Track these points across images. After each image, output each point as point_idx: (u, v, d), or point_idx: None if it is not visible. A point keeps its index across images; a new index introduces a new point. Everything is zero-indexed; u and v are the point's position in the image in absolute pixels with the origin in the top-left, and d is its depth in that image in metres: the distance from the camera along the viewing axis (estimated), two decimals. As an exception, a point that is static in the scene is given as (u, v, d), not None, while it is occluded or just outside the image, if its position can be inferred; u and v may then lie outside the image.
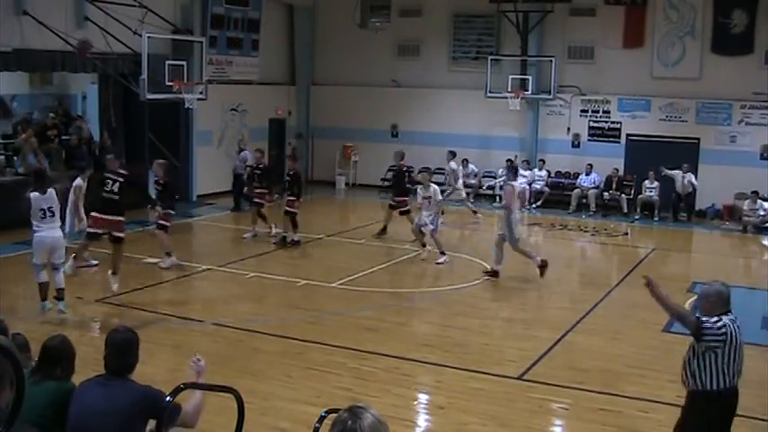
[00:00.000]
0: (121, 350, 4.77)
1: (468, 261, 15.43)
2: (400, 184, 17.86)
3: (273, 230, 16.68)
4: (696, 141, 21.47)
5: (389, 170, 22.00)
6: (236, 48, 22.43)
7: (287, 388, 8.77)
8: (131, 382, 4.72)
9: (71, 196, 13.62)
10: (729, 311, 5.86)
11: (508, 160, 21.21)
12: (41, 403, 4.63)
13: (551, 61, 22.37)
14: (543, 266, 13.77)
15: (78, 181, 13.87)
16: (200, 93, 18.45)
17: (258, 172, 17.04)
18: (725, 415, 5.99)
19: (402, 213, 17.09)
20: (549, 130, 23.28)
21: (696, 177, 20.71)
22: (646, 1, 22.02)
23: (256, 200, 16.94)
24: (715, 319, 5.76)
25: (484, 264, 14.89)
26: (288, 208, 16.19)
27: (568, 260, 16.95)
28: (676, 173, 20.58)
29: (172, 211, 14.54)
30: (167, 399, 4.72)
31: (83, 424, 4.58)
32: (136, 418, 4.55)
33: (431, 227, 15.09)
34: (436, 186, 15.51)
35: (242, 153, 20.09)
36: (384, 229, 17.28)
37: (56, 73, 21.56)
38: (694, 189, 20.79)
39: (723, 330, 5.72)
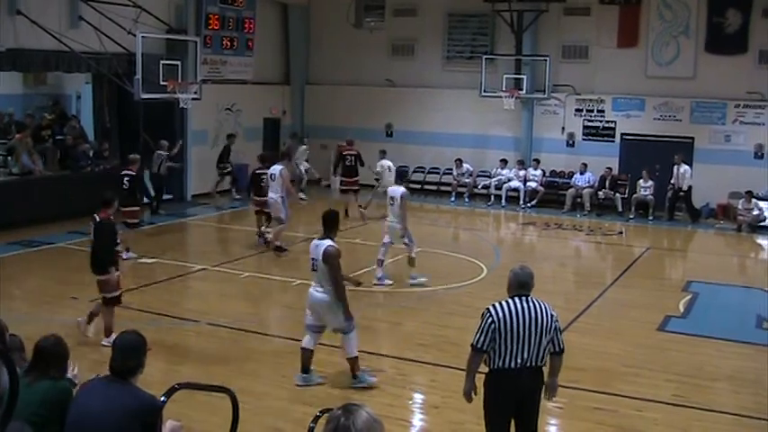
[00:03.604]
0: (125, 352, 4.75)
1: (464, 261, 15.42)
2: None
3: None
4: (690, 140, 21.51)
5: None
6: (230, 47, 22.40)
7: (282, 388, 8.77)
8: (133, 387, 4.68)
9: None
10: (523, 294, 6.11)
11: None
12: (36, 402, 4.62)
13: (546, 61, 22.36)
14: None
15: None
16: (195, 92, 18.41)
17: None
18: (503, 393, 6.13)
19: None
20: (544, 130, 23.30)
21: (690, 176, 20.67)
22: (640, 0, 22.05)
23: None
24: (495, 304, 6.08)
25: (480, 264, 14.92)
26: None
27: (563, 259, 16.95)
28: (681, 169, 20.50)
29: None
30: (162, 399, 4.70)
31: (80, 423, 4.56)
32: (133, 423, 4.53)
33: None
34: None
35: (158, 152, 19.44)
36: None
37: (50, 73, 21.52)
38: (690, 186, 20.69)
39: (487, 315, 6.01)
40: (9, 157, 18.53)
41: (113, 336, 9.92)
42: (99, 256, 10.07)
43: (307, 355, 8.84)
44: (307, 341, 8.83)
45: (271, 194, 15.39)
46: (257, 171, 16.50)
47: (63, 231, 16.59)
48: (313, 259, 8.62)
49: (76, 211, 17.76)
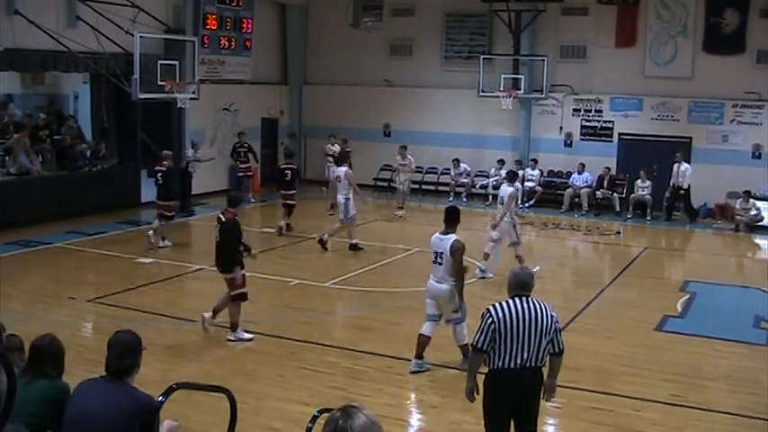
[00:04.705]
0: (119, 351, 4.73)
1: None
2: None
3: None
4: (688, 140, 21.51)
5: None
6: (228, 47, 22.38)
7: (280, 388, 8.76)
8: (130, 387, 4.67)
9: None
10: (523, 295, 6.15)
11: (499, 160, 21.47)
12: (33, 401, 4.61)
13: (544, 60, 22.38)
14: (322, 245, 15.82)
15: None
16: (193, 92, 18.41)
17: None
18: (503, 393, 6.14)
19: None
20: (542, 130, 23.30)
21: (690, 174, 20.64)
22: (638, 0, 22.07)
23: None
24: (495, 305, 6.11)
25: (479, 264, 14.90)
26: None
27: (561, 259, 16.95)
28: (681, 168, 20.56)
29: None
30: (160, 399, 4.69)
31: (78, 423, 4.55)
32: (130, 423, 4.52)
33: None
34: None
35: (190, 149, 20.32)
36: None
37: (47, 72, 21.50)
38: (689, 185, 20.66)
39: (487, 315, 6.07)
40: (7, 157, 18.48)
41: (239, 331, 10.12)
42: (225, 255, 10.21)
43: (424, 341, 9.25)
44: (427, 329, 9.26)
45: (339, 196, 16.20)
46: (282, 166, 17.82)
47: (61, 231, 16.59)
48: (436, 252, 9.05)
49: (74, 211, 17.81)
